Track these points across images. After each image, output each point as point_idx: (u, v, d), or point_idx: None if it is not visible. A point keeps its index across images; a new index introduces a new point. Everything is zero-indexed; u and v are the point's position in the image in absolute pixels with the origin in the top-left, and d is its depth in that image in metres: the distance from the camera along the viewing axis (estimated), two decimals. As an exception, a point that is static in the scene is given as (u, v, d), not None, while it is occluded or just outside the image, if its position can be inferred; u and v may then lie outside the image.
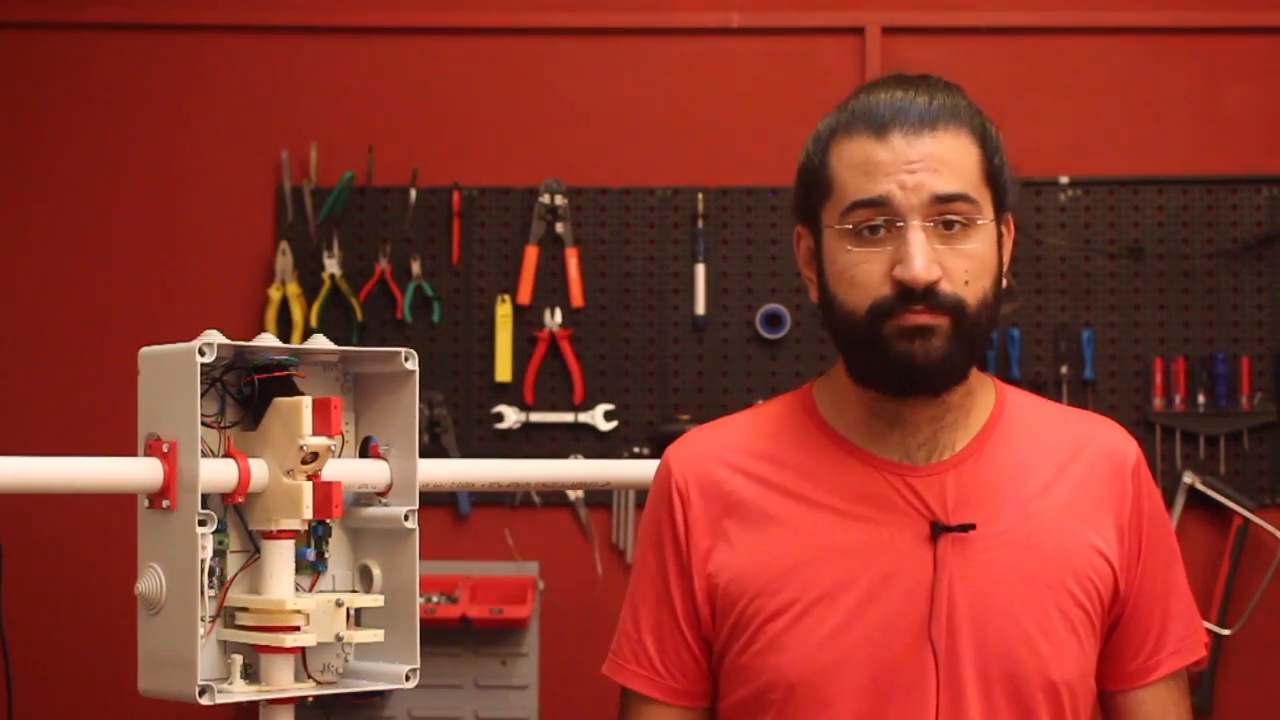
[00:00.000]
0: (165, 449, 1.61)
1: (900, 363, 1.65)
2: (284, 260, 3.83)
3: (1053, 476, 1.74)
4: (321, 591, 1.71)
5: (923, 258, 1.63)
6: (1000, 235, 1.71)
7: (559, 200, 3.86)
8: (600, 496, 3.83)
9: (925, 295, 1.63)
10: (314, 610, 1.64)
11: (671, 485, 1.78)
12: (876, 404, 1.73)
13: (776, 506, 1.73)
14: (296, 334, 3.78)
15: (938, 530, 1.69)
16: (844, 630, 1.68)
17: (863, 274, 1.66)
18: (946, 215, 1.65)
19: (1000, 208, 1.71)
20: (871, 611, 1.68)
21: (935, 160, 1.65)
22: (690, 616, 1.77)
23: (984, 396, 1.77)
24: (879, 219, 1.65)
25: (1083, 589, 1.71)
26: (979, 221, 1.66)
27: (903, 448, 1.73)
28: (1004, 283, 1.73)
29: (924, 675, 1.67)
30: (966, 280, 1.65)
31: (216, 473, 1.62)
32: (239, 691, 1.63)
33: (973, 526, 1.69)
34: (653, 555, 1.79)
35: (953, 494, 1.71)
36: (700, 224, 3.86)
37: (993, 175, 1.69)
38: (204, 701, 1.59)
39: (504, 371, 3.84)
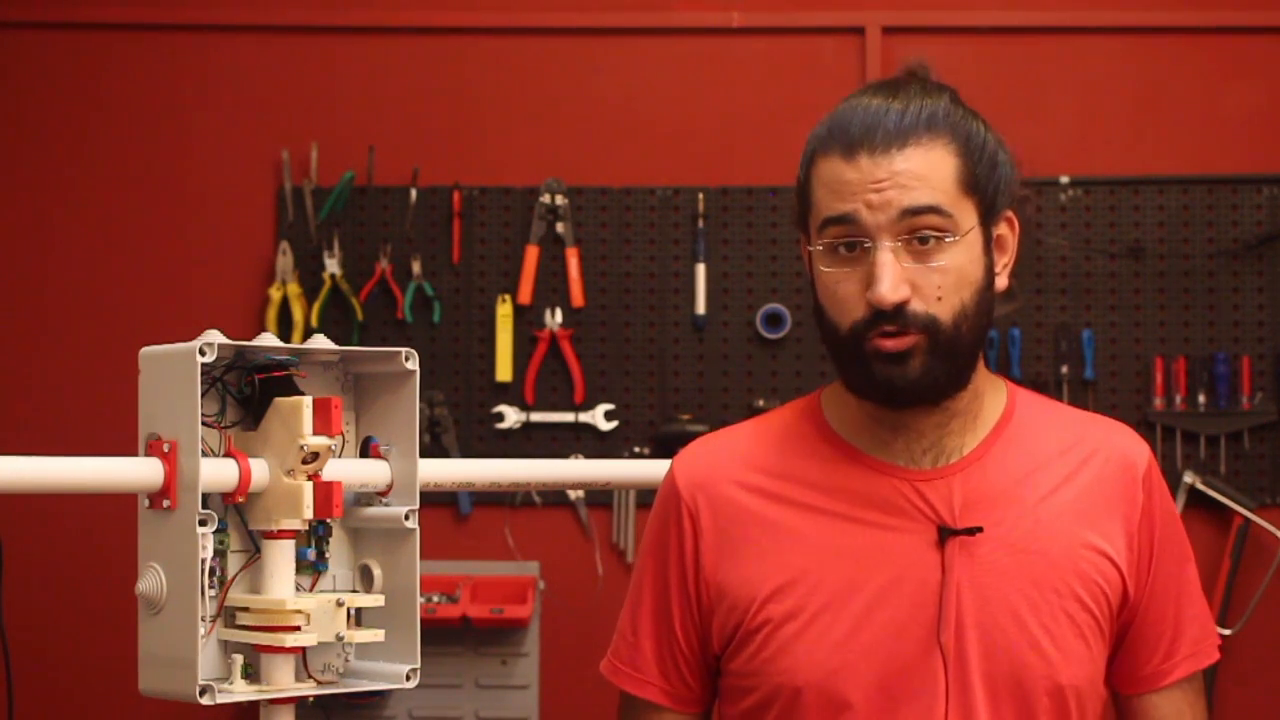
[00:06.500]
0: (166, 449, 1.61)
1: (882, 385, 1.67)
2: (284, 260, 3.83)
3: (1061, 480, 1.74)
4: (322, 591, 1.71)
5: (889, 280, 1.63)
6: (988, 240, 1.70)
7: (559, 200, 3.86)
8: (600, 496, 3.83)
9: (895, 315, 1.64)
10: (314, 610, 1.64)
11: (679, 500, 1.79)
12: (878, 412, 1.73)
13: (784, 517, 1.74)
14: (297, 334, 3.78)
15: (945, 534, 1.69)
16: (853, 635, 1.68)
17: (842, 292, 1.67)
18: (918, 231, 1.64)
19: (990, 211, 1.70)
20: (880, 615, 1.68)
21: (905, 176, 1.65)
22: (690, 627, 1.77)
23: (993, 399, 1.77)
24: (850, 237, 1.66)
25: (1090, 593, 1.71)
26: (951, 238, 1.65)
27: (908, 453, 1.73)
28: (1004, 282, 1.73)
29: (934, 679, 1.67)
30: (939, 296, 1.65)
31: (217, 472, 1.62)
32: (239, 691, 1.63)
33: (979, 530, 1.69)
34: (656, 564, 1.80)
35: (959, 498, 1.71)
36: (700, 224, 3.86)
37: (976, 182, 1.68)
38: (204, 701, 1.59)
39: (504, 371, 3.84)
